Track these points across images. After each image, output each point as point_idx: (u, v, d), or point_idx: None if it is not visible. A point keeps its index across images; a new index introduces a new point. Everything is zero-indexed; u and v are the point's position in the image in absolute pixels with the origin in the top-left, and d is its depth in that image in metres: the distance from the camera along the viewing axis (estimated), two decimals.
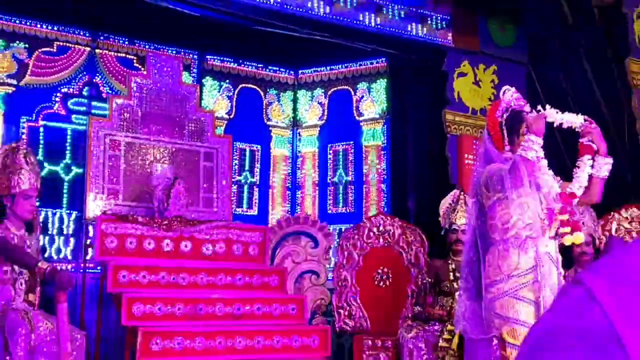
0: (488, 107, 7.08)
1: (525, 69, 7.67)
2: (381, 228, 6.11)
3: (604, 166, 3.58)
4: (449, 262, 5.49)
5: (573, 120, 3.50)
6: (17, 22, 7.09)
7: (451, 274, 5.41)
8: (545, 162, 3.36)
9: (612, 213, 5.82)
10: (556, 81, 7.53)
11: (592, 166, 3.58)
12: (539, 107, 3.46)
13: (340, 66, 8.34)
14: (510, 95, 3.50)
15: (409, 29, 7.12)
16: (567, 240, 3.45)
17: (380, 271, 6.04)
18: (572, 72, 7.44)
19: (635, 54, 6.77)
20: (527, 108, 3.48)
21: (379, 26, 6.99)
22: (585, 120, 3.51)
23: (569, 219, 3.39)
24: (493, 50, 7.53)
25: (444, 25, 7.28)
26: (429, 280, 5.68)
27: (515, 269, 3.27)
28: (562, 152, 4.33)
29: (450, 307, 5.20)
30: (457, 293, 4.45)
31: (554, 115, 3.46)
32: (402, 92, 7.99)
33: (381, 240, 6.09)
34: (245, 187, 8.28)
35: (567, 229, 3.38)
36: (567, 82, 7.50)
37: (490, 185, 3.37)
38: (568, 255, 5.34)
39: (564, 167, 3.66)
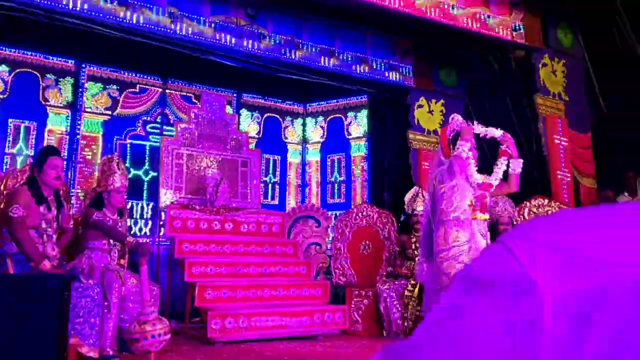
0: (439, 129, 7.11)
1: (463, 101, 7.68)
2: (364, 213, 6.12)
3: (517, 165, 3.60)
4: (412, 236, 5.51)
5: (494, 132, 3.52)
6: (111, 71, 7.11)
7: (413, 244, 5.43)
8: (473, 161, 3.37)
9: (524, 202, 5.84)
10: (485, 110, 7.54)
11: (508, 165, 3.61)
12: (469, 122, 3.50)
13: (335, 101, 8.33)
14: (457, 120, 3.52)
15: (384, 75, 7.14)
16: (480, 217, 3.48)
17: (364, 243, 6.04)
18: (497, 104, 7.46)
19: (541, 91, 6.79)
20: (471, 128, 3.51)
21: (362, 73, 7.01)
22: (502, 132, 3.53)
23: (483, 201, 3.43)
24: (441, 89, 7.54)
25: (408, 73, 7.30)
26: (397, 249, 5.70)
27: (455, 240, 3.28)
28: (488, 156, 4.35)
29: (413, 268, 5.22)
30: (417, 258, 4.46)
31: (479, 128, 3.48)
32: (378, 118, 7.99)
33: (364, 221, 6.09)
34: (270, 185, 8.28)
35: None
36: (492, 111, 7.52)
37: (438, 181, 3.41)
38: (494, 232, 5.36)
39: (490, 167, 3.66)
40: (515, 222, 5.47)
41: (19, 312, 1.96)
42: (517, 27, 6.60)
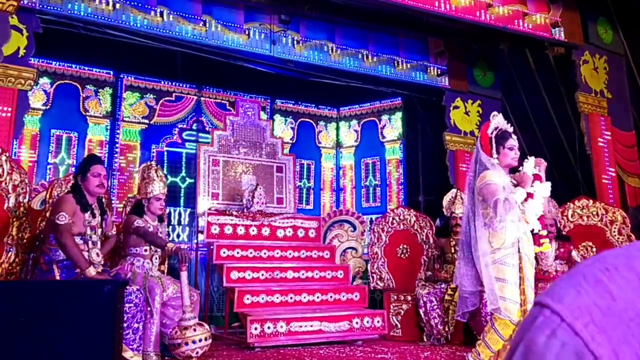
0: (476, 130, 7.01)
1: (500, 102, 7.55)
2: (401, 217, 6.06)
3: (546, 189, 3.47)
4: (451, 240, 5.43)
5: (528, 168, 3.40)
6: (148, 80, 7.27)
7: (452, 248, 5.35)
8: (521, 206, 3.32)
9: (568, 203, 5.68)
10: (523, 110, 7.41)
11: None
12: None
13: (368, 104, 8.32)
14: (499, 119, 3.45)
15: (418, 76, 7.08)
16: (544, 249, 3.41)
17: (401, 247, 5.99)
18: (535, 103, 7.31)
19: (582, 89, 6.62)
20: (510, 129, 3.44)
21: (396, 75, 6.96)
22: (535, 160, 3.42)
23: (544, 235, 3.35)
24: (477, 90, 7.43)
25: (442, 73, 7.21)
26: (436, 252, 5.63)
27: (502, 243, 3.20)
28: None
29: (452, 272, 5.13)
30: (456, 261, 4.39)
31: (528, 168, 3.36)
32: (413, 121, 7.93)
33: (401, 225, 6.04)
34: (304, 190, 8.30)
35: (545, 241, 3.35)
36: (531, 110, 7.37)
37: (481, 195, 3.32)
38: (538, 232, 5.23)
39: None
40: (559, 224, 5.33)
41: (75, 317, 2.01)
42: (557, 24, 6.44)
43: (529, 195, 3.21)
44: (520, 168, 3.34)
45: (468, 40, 6.90)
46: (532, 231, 3.27)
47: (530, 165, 3.28)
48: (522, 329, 0.43)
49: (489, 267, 3.15)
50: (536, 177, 3.33)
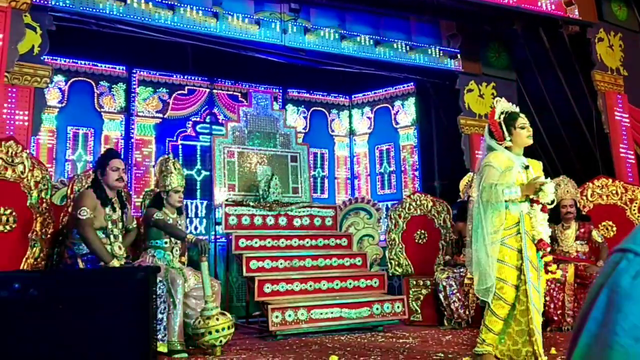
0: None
1: (515, 83, 7.48)
2: (418, 202, 6.07)
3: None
4: (469, 223, 5.41)
5: (550, 187, 3.33)
6: (160, 74, 7.30)
7: (470, 232, 5.33)
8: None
9: (587, 183, 5.63)
10: (539, 90, 7.33)
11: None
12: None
13: (381, 90, 8.26)
14: (503, 103, 3.44)
15: (430, 61, 7.02)
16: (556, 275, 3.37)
17: (418, 232, 6.00)
18: (550, 83, 7.23)
19: (598, 67, 6.54)
20: (516, 109, 3.41)
21: (408, 60, 6.91)
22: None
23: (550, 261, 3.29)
24: (491, 72, 7.35)
25: (455, 57, 7.15)
26: (454, 237, 5.63)
27: (501, 224, 3.18)
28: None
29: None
30: (466, 247, 4.36)
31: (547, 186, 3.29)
32: (427, 105, 7.88)
33: (418, 210, 6.04)
34: (319, 178, 8.31)
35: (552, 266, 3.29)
36: (547, 90, 7.29)
37: (481, 175, 3.31)
38: (556, 215, 5.20)
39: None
40: (578, 204, 5.30)
41: (110, 303, 2.06)
42: (570, 2, 6.35)
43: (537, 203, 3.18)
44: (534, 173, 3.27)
45: (481, 22, 6.83)
46: (539, 241, 3.21)
47: (549, 187, 3.20)
48: (603, 276, 0.44)
49: (489, 247, 3.15)
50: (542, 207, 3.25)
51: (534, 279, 3.15)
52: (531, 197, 3.16)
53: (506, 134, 3.29)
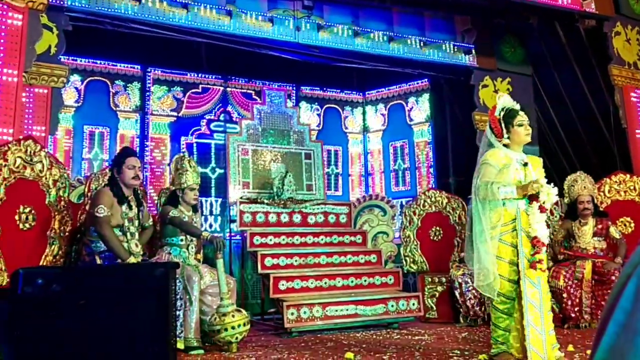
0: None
1: (531, 78, 7.40)
2: (433, 199, 6.04)
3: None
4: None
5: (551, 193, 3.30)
6: (174, 73, 7.35)
7: None
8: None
9: (604, 178, 5.56)
10: (555, 85, 7.26)
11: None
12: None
13: (395, 87, 8.23)
14: (505, 100, 3.43)
15: (445, 56, 6.97)
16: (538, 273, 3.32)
17: (433, 229, 5.98)
18: (567, 78, 7.16)
19: (615, 61, 6.46)
20: (517, 106, 3.40)
21: (422, 56, 6.87)
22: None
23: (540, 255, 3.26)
24: (506, 67, 7.28)
25: (470, 52, 7.09)
26: (470, 233, 5.59)
27: (499, 220, 3.19)
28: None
29: None
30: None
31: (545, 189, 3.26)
32: (441, 102, 7.84)
33: (433, 207, 6.02)
34: (332, 176, 8.30)
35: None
36: (563, 85, 7.22)
37: (478, 173, 3.34)
38: (573, 212, 5.15)
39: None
40: (595, 200, 5.23)
41: (131, 298, 2.10)
42: None
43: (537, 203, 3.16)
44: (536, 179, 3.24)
45: (495, 17, 6.77)
46: (533, 239, 3.19)
47: (550, 192, 3.16)
48: (630, 266, 0.44)
49: (486, 244, 3.16)
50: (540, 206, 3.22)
51: (530, 275, 3.15)
52: (529, 194, 3.15)
53: (504, 131, 3.30)
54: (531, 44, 7.40)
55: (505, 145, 3.30)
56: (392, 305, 5.07)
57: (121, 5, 5.45)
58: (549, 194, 3.13)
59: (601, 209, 5.33)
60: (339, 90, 8.43)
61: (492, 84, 7.14)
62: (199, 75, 7.47)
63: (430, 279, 5.62)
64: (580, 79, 6.84)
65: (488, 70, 7.15)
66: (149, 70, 7.20)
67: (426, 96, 7.98)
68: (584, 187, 5.04)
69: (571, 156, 7.19)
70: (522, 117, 3.31)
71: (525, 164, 3.27)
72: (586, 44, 6.80)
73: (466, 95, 7.14)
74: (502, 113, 3.33)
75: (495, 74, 7.18)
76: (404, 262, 5.95)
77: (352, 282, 5.25)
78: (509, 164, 3.22)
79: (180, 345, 3.84)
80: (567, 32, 6.79)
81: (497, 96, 3.51)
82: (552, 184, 3.18)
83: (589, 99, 6.90)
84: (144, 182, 6.76)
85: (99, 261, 3.76)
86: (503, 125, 3.30)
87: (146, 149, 7.07)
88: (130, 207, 3.97)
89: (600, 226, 5.07)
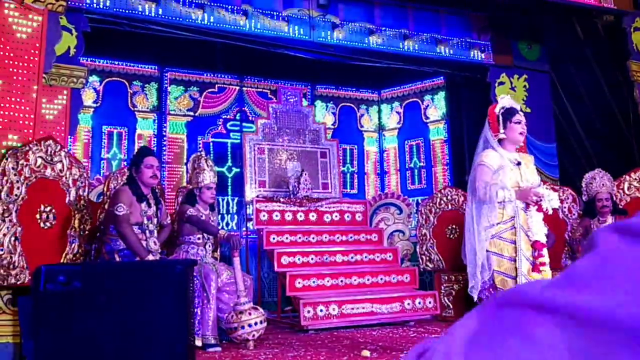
0: (523, 105, 6.82)
1: (548, 75, 7.31)
2: (449, 197, 6.00)
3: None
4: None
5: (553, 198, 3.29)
6: (191, 73, 7.41)
7: None
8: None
9: (624, 176, 5.48)
10: (572, 82, 7.16)
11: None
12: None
13: (410, 85, 8.19)
14: (507, 100, 3.44)
15: (461, 54, 6.92)
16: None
17: (450, 227, 5.93)
18: (584, 74, 7.05)
19: (635, 57, 6.35)
20: (517, 106, 3.42)
21: (438, 54, 6.83)
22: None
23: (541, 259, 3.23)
24: (523, 64, 7.20)
25: (486, 49, 7.03)
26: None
27: (498, 217, 3.17)
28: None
29: None
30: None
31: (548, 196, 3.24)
32: (457, 99, 7.78)
33: (449, 205, 5.97)
34: (348, 174, 8.30)
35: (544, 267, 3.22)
36: (581, 82, 7.11)
37: (474, 173, 3.35)
38: (592, 209, 5.08)
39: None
40: (614, 198, 5.16)
41: (150, 295, 2.13)
42: None
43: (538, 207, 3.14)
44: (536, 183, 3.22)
45: (512, 13, 6.69)
46: (534, 242, 3.16)
47: (552, 198, 3.13)
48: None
49: (485, 242, 3.15)
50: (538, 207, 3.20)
51: (535, 277, 3.13)
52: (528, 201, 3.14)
53: (501, 126, 3.30)
54: (548, 41, 7.31)
55: (499, 141, 3.30)
56: (409, 304, 5.06)
57: (138, 6, 5.50)
58: (551, 201, 3.11)
59: (620, 207, 5.25)
60: (354, 89, 8.42)
61: (509, 81, 7.06)
62: (215, 75, 7.51)
63: (446, 277, 5.59)
64: (598, 75, 6.74)
65: (504, 67, 7.07)
66: (166, 70, 7.27)
67: (442, 94, 7.93)
68: (603, 184, 4.97)
69: (589, 153, 7.09)
70: (520, 117, 3.34)
71: (519, 163, 3.27)
72: (604, 39, 6.69)
73: (482, 93, 7.07)
74: (501, 110, 3.36)
75: (512, 71, 7.10)
76: (420, 261, 5.91)
77: (368, 280, 5.25)
78: (504, 165, 3.23)
79: (197, 342, 3.88)
80: (585, 28, 6.69)
81: (500, 96, 3.53)
82: (545, 186, 3.17)
83: (607, 95, 6.79)
84: (162, 181, 6.83)
85: (118, 259, 3.81)
86: (501, 120, 3.31)
87: (164, 148, 7.14)
88: (149, 205, 4.02)
89: None
